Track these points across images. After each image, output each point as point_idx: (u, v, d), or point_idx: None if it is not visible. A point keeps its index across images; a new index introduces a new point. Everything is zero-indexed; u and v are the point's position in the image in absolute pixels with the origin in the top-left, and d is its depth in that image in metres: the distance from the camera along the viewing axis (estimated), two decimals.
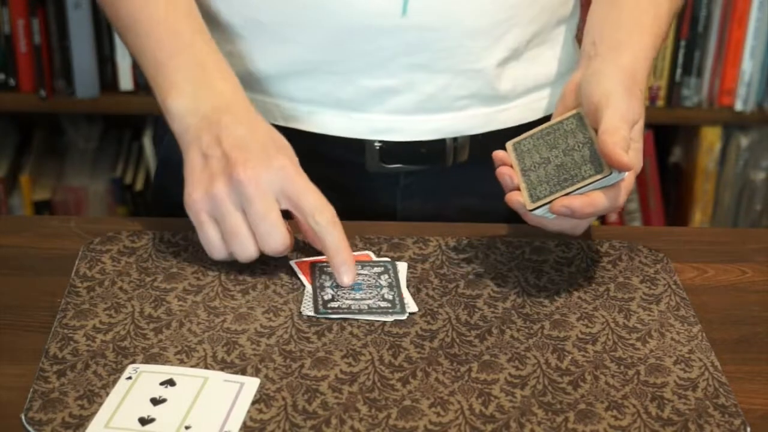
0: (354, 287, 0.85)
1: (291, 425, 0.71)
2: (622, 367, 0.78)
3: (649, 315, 0.84)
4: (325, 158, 0.99)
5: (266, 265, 0.87)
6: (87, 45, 1.88)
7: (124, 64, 1.90)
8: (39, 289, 0.85)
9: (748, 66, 1.96)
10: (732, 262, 0.93)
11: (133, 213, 2.06)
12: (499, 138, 0.97)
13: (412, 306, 0.83)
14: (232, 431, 0.70)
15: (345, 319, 0.81)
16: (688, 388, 0.76)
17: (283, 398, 0.73)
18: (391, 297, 0.84)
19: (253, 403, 0.73)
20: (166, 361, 0.76)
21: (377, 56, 0.94)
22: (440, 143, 1.00)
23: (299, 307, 0.83)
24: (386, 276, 0.86)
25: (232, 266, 0.87)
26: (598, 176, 0.81)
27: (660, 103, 2.00)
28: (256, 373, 0.76)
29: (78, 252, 0.89)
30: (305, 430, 0.71)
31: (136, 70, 1.89)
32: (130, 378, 0.74)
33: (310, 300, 0.83)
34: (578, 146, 0.84)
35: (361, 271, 0.87)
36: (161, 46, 0.90)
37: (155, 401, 0.72)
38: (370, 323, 0.81)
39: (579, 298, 0.86)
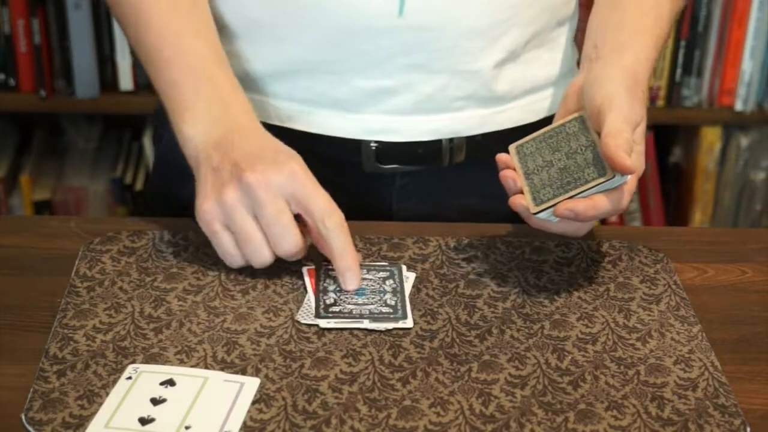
0: (357, 292, 0.85)
1: (291, 425, 0.71)
2: (622, 367, 0.78)
3: (649, 315, 0.84)
4: (321, 158, 0.98)
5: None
6: (87, 45, 1.88)
7: (124, 64, 1.90)
8: (39, 289, 0.85)
9: (748, 66, 1.96)
10: (732, 262, 0.93)
11: (133, 213, 2.06)
12: (496, 139, 0.97)
13: (409, 320, 0.82)
14: (232, 431, 0.70)
15: (343, 329, 0.81)
16: (688, 388, 0.76)
17: (283, 398, 0.73)
18: (393, 302, 0.84)
19: (253, 403, 0.73)
20: (166, 361, 0.76)
21: (374, 56, 0.94)
22: (437, 144, 0.99)
23: (299, 308, 0.83)
24: (391, 281, 0.86)
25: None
26: (602, 179, 0.81)
27: (660, 103, 1.99)
28: (256, 373, 0.76)
29: (78, 252, 0.89)
30: (305, 430, 0.71)
31: (136, 70, 1.89)
32: (130, 378, 0.74)
33: (309, 307, 0.83)
34: (581, 149, 0.84)
35: (366, 276, 0.86)
36: (172, 65, 0.89)
37: (155, 401, 0.72)
38: None
39: (579, 298, 0.86)
